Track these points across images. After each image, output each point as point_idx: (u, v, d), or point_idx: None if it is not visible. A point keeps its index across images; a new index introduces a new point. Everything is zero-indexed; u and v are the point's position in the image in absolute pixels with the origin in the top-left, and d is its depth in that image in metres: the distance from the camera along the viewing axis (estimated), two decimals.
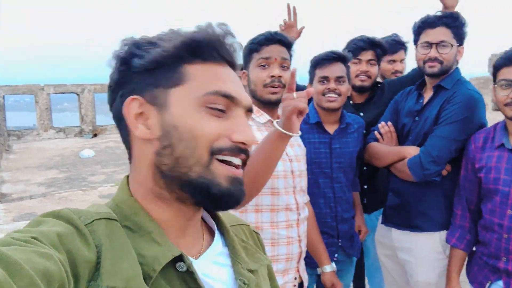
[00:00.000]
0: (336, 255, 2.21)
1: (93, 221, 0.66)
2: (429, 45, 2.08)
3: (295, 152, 1.91)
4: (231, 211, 0.95)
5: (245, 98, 0.77)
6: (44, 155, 11.73)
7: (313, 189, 2.12)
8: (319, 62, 2.16)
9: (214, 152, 0.72)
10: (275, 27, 2.36)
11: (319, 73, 2.16)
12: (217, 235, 0.85)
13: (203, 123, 0.72)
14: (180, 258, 0.71)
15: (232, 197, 0.73)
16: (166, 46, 0.73)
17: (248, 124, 0.77)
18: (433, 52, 2.06)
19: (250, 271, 0.82)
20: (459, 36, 2.10)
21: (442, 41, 2.06)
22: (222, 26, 0.77)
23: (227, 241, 0.85)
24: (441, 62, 2.07)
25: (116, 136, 14.77)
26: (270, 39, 1.79)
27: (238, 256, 0.83)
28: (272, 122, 1.80)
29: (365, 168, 2.52)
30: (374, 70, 2.58)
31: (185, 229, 0.78)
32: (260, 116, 1.82)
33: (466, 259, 2.10)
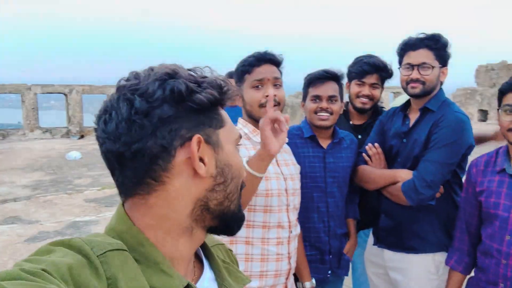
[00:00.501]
0: (329, 272, 2.21)
1: (105, 252, 0.66)
2: (411, 66, 2.11)
3: (290, 171, 1.95)
4: None
5: None
6: (30, 156, 11.57)
7: (307, 204, 2.14)
8: (312, 81, 2.20)
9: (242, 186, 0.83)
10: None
11: (312, 91, 2.19)
12: (205, 261, 0.87)
13: (241, 162, 0.84)
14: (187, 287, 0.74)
15: (243, 221, 0.86)
16: (216, 89, 0.77)
17: None
18: (414, 74, 2.10)
19: None
20: (442, 58, 2.13)
21: (423, 63, 2.09)
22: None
23: (212, 265, 0.87)
24: (423, 83, 2.10)
25: None
26: (260, 59, 1.85)
27: (224, 280, 0.85)
28: None
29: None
30: (376, 93, 2.59)
31: (187, 259, 0.80)
32: (257, 135, 1.85)
33: (465, 283, 2.09)
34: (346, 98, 2.63)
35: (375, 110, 2.69)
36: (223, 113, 0.81)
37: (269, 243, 1.82)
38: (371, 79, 2.56)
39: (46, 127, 15.68)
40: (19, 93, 15.12)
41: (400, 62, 2.22)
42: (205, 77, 0.77)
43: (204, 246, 0.88)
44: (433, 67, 2.10)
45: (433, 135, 2.07)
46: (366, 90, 2.56)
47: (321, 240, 2.18)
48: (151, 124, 0.71)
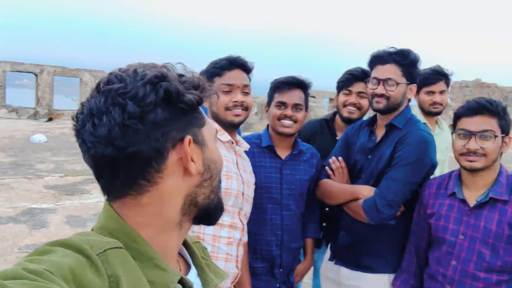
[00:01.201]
0: (277, 286, 2.16)
1: (105, 250, 0.67)
2: (377, 81, 2.08)
3: (247, 178, 1.94)
4: None
5: None
6: None
7: (260, 215, 2.08)
8: (278, 86, 2.16)
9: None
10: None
11: (277, 97, 2.15)
12: (189, 258, 0.90)
13: (221, 156, 0.88)
14: (180, 281, 0.76)
15: (223, 210, 0.90)
16: (197, 88, 0.79)
17: None
18: (379, 89, 2.08)
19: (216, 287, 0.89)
20: (410, 74, 2.10)
21: (389, 78, 2.06)
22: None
23: (194, 262, 0.90)
24: (388, 98, 2.07)
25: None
26: (233, 63, 1.87)
27: (207, 276, 0.89)
28: (233, 143, 1.89)
29: (326, 209, 2.44)
30: (364, 102, 2.56)
31: (175, 253, 0.84)
32: (223, 135, 1.86)
33: None
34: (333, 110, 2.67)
35: None
36: (202, 110, 0.84)
37: (220, 242, 1.81)
38: (358, 87, 2.55)
39: (12, 106, 15.12)
40: None
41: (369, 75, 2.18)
42: (183, 75, 0.80)
43: (185, 244, 0.91)
44: (398, 83, 2.06)
45: (396, 153, 2.04)
46: (352, 99, 2.56)
47: (273, 253, 2.13)
48: (145, 128, 0.72)
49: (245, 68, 1.91)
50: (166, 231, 0.79)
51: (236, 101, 1.85)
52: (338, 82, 2.66)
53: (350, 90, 2.57)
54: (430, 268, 1.92)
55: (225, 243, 1.82)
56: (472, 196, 1.85)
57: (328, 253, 2.36)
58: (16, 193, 6.53)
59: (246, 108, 1.88)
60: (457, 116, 1.88)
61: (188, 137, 0.77)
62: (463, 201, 1.86)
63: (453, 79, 2.86)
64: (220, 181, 0.86)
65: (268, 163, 2.15)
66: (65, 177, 7.54)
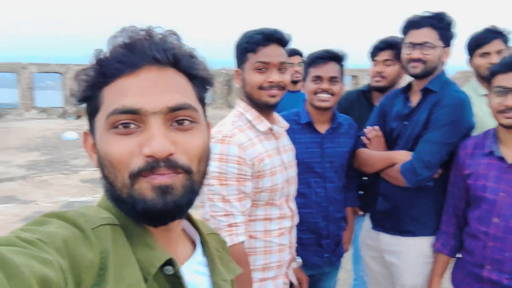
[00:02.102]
0: (326, 255, 2.20)
1: (99, 226, 0.67)
2: (413, 45, 2.06)
3: (288, 158, 1.88)
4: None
5: (154, 103, 0.69)
6: (26, 135, 11.47)
7: (304, 189, 2.10)
8: (313, 61, 2.14)
9: (134, 175, 0.69)
10: None
11: (313, 72, 2.14)
12: (198, 245, 0.87)
13: (112, 146, 0.70)
14: (168, 262, 0.72)
15: (159, 210, 0.69)
16: (84, 78, 0.73)
17: (160, 131, 0.69)
18: (416, 53, 2.05)
19: (225, 281, 0.86)
20: (445, 37, 2.07)
21: (425, 42, 2.04)
22: (131, 30, 0.73)
23: (206, 252, 0.87)
24: (424, 63, 2.05)
25: None
26: (268, 38, 1.68)
27: (215, 267, 0.86)
28: (271, 130, 1.78)
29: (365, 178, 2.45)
30: (389, 70, 2.63)
31: (166, 239, 0.78)
32: (260, 123, 1.75)
33: (453, 265, 2.09)
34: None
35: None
36: (104, 92, 0.75)
37: (272, 235, 1.77)
38: (383, 55, 2.63)
39: (42, 107, 15.52)
40: (14, 72, 14.91)
41: (403, 41, 2.16)
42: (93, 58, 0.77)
43: (200, 233, 0.89)
44: (435, 46, 2.04)
45: (432, 115, 2.03)
46: (378, 67, 2.65)
47: (319, 225, 2.16)
48: None
49: (282, 42, 1.72)
50: None
51: (272, 81, 1.69)
52: (368, 54, 2.75)
53: (376, 60, 2.67)
54: (471, 227, 1.93)
55: (276, 235, 1.79)
56: (511, 153, 1.84)
57: (365, 221, 2.40)
58: (55, 188, 6.77)
59: (283, 88, 1.73)
60: (492, 74, 1.85)
61: (84, 131, 0.80)
62: (502, 159, 1.85)
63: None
64: (121, 179, 0.70)
65: (309, 139, 2.16)
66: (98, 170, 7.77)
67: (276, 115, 1.87)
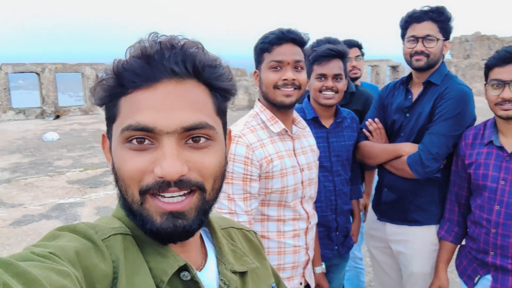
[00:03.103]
0: (336, 247, 2.25)
1: (109, 236, 0.69)
2: (416, 39, 2.12)
3: (308, 160, 1.88)
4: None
5: (169, 122, 0.68)
6: (5, 137, 11.21)
7: None
8: (317, 59, 2.17)
9: (143, 192, 0.69)
10: None
11: (317, 70, 2.17)
12: (210, 246, 0.87)
13: (125, 161, 0.70)
14: (184, 268, 0.73)
15: (168, 233, 0.70)
16: (103, 86, 0.72)
17: (172, 151, 0.68)
18: (419, 46, 2.11)
19: (234, 272, 0.84)
20: (445, 31, 2.14)
21: (428, 35, 2.10)
22: (155, 41, 0.71)
23: (214, 242, 0.87)
24: (427, 56, 2.11)
25: (81, 118, 14.31)
26: (282, 38, 1.70)
27: (223, 257, 0.85)
28: (287, 131, 1.78)
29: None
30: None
31: (182, 246, 0.78)
32: (275, 124, 1.76)
33: (457, 252, 2.16)
34: None
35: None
36: (122, 102, 0.75)
37: (285, 236, 1.78)
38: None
39: (19, 108, 15.17)
40: None
41: (403, 35, 2.21)
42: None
43: (210, 227, 0.89)
44: (437, 39, 2.11)
45: (437, 108, 2.08)
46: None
47: (328, 218, 2.20)
48: None
49: (297, 41, 1.71)
50: None
51: (286, 79, 1.69)
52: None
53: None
54: (474, 215, 1.99)
55: (290, 236, 1.79)
56: (510, 143, 1.92)
57: (370, 213, 2.46)
58: (42, 190, 6.67)
59: (299, 87, 1.72)
60: (488, 67, 1.92)
61: (102, 134, 0.81)
62: (501, 148, 1.92)
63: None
64: (131, 194, 0.72)
65: (315, 134, 2.18)
66: (85, 171, 7.67)
67: (296, 116, 1.88)
